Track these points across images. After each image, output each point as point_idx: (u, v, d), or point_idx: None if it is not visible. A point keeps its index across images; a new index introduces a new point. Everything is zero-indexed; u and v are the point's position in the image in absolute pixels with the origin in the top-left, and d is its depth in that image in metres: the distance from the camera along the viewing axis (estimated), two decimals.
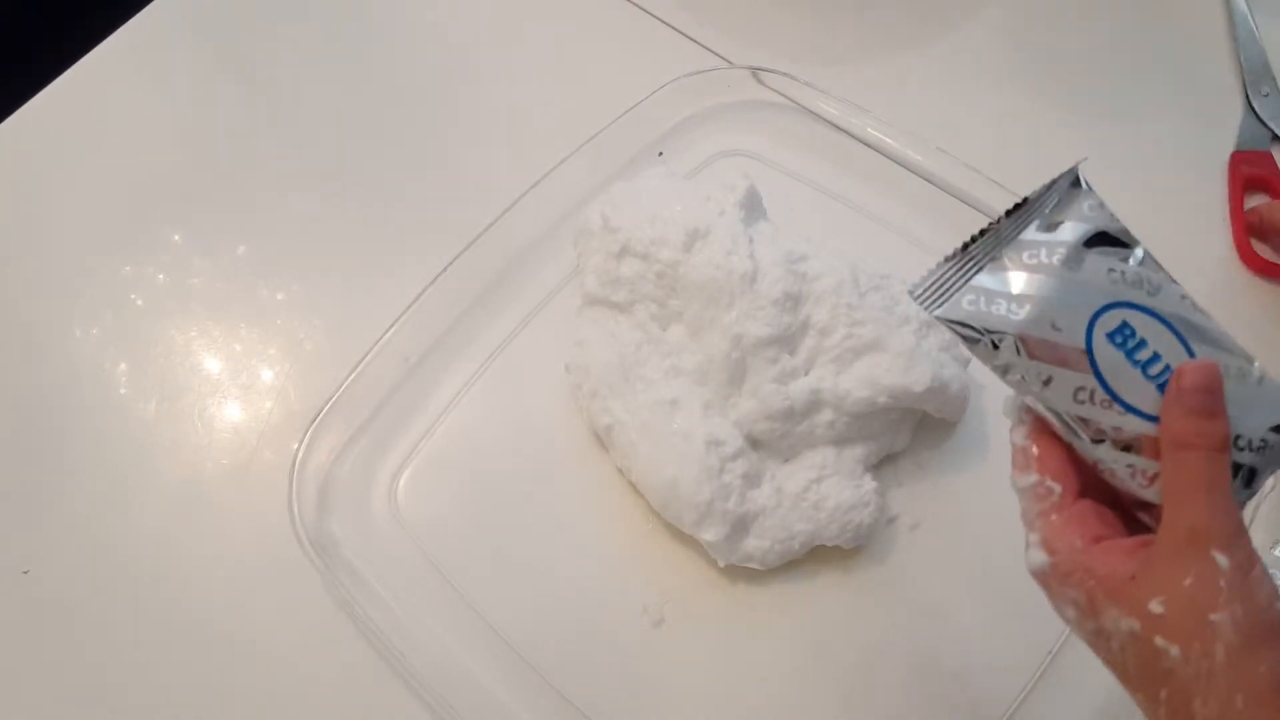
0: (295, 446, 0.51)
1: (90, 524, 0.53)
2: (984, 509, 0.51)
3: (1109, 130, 0.64)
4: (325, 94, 0.68)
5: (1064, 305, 0.32)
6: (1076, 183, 0.35)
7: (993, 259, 0.34)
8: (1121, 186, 0.60)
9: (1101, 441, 0.32)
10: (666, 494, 0.48)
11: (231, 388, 0.57)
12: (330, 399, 0.53)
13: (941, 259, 0.34)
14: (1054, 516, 0.33)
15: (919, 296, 0.34)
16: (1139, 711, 0.43)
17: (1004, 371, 0.33)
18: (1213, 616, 0.29)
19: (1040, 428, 0.34)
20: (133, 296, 0.60)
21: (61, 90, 0.68)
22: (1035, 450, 0.34)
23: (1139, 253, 0.34)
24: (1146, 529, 0.33)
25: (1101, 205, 0.34)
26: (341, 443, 0.53)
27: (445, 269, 0.56)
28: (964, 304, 0.33)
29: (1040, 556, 0.33)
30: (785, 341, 0.49)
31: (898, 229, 0.59)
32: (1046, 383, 0.32)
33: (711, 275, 0.49)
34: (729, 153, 0.63)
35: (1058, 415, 0.33)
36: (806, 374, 0.49)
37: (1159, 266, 0.34)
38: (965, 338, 0.33)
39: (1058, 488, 0.33)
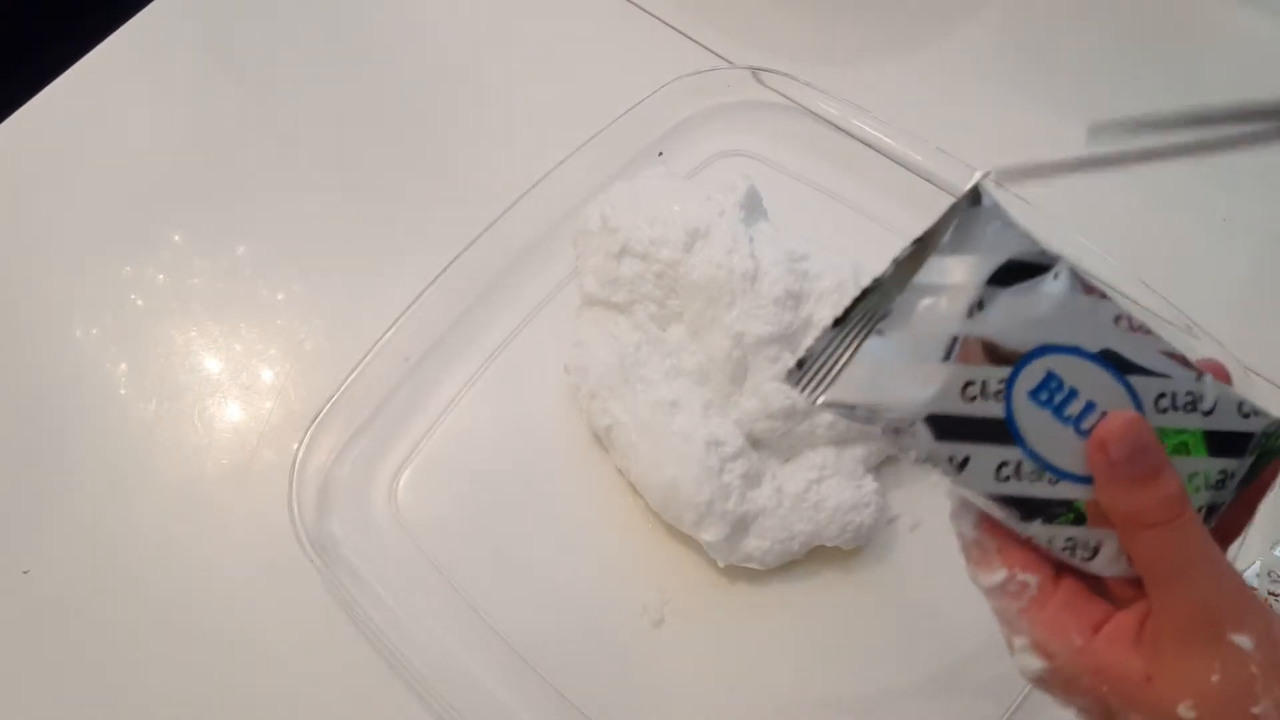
0: (295, 446, 0.51)
1: (90, 524, 0.53)
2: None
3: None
4: (326, 94, 0.68)
5: (973, 370, 0.27)
6: (976, 199, 0.30)
7: (884, 317, 0.28)
8: (1122, 186, 0.61)
9: (1033, 519, 0.28)
10: (666, 494, 0.48)
11: (232, 388, 0.57)
12: (330, 399, 0.53)
13: (822, 329, 0.28)
14: (1038, 613, 0.28)
15: (797, 381, 0.28)
16: None
17: (913, 458, 0.28)
18: (1255, 710, 0.25)
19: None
20: (133, 297, 0.60)
21: (61, 90, 0.68)
22: (992, 541, 0.29)
23: (1060, 275, 0.28)
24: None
25: (1007, 224, 0.29)
26: (341, 443, 0.53)
27: (445, 269, 0.56)
28: (854, 381, 0.27)
29: (1035, 663, 0.28)
30: (787, 340, 0.49)
31: (898, 229, 0.59)
32: (963, 465, 0.27)
33: (712, 274, 0.49)
34: (729, 153, 0.63)
35: (982, 497, 0.28)
36: None
37: (1083, 283, 0.28)
38: (860, 421, 0.28)
39: (1033, 579, 0.28)
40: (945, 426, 0.27)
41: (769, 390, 0.48)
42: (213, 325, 0.59)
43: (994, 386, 0.27)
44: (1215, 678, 0.25)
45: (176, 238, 0.62)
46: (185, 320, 0.59)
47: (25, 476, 0.55)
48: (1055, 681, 0.28)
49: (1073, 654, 0.27)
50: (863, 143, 0.61)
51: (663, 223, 0.52)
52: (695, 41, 0.68)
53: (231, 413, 0.56)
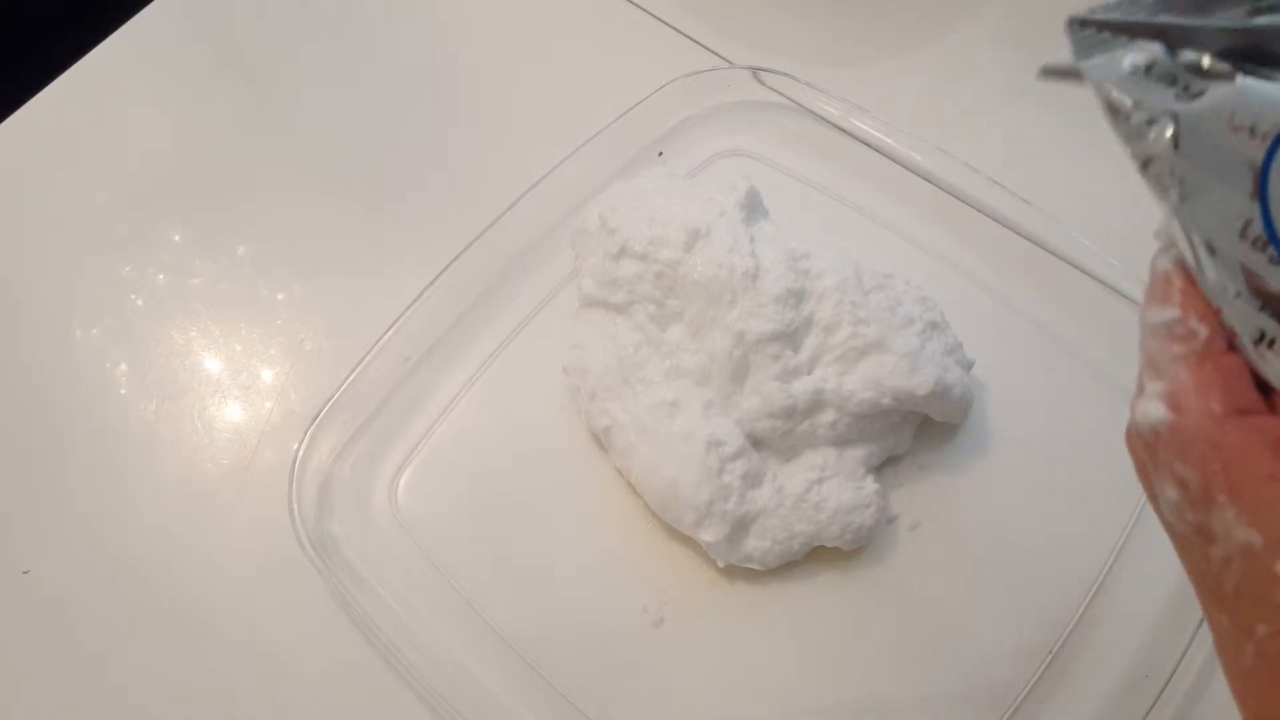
0: (295, 446, 0.52)
1: (90, 524, 0.53)
2: (985, 510, 0.51)
3: (1106, 132, 0.63)
4: (325, 94, 0.68)
5: (1253, 103, 0.24)
6: None
7: (1183, 14, 0.25)
8: (1121, 187, 0.61)
9: (1240, 294, 0.25)
10: (666, 495, 0.48)
11: (232, 388, 0.57)
12: (330, 399, 0.53)
13: None
14: (1193, 364, 0.25)
15: (1081, 24, 0.26)
16: (1138, 712, 0.44)
17: (1145, 165, 0.26)
18: None
19: None
20: (133, 297, 0.60)
21: (61, 90, 0.68)
22: (1180, 282, 0.26)
23: None
24: None
25: None
26: (341, 443, 0.53)
27: (445, 269, 0.56)
28: (1125, 62, 0.26)
29: (1158, 410, 0.25)
30: (788, 338, 0.49)
31: (898, 229, 0.59)
32: (1190, 195, 0.25)
33: (713, 274, 0.49)
34: (729, 153, 0.63)
35: (1189, 239, 0.25)
36: (810, 373, 0.49)
37: None
38: (1110, 106, 0.26)
39: (1204, 331, 0.25)
40: (1195, 145, 0.25)
41: (770, 389, 0.48)
42: (213, 325, 0.59)
43: (1265, 128, 0.24)
44: None
45: (176, 238, 0.62)
46: (185, 320, 0.59)
47: (25, 476, 0.55)
48: (1169, 440, 0.25)
49: (1204, 418, 0.24)
50: (863, 142, 0.61)
51: (662, 223, 0.52)
52: (695, 41, 0.68)
53: (232, 413, 0.56)
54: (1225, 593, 0.25)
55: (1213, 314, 0.25)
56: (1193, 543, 0.26)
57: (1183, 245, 0.26)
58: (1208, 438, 0.24)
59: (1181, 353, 0.25)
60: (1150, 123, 0.25)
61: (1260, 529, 0.23)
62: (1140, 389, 0.26)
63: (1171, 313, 0.26)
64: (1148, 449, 0.26)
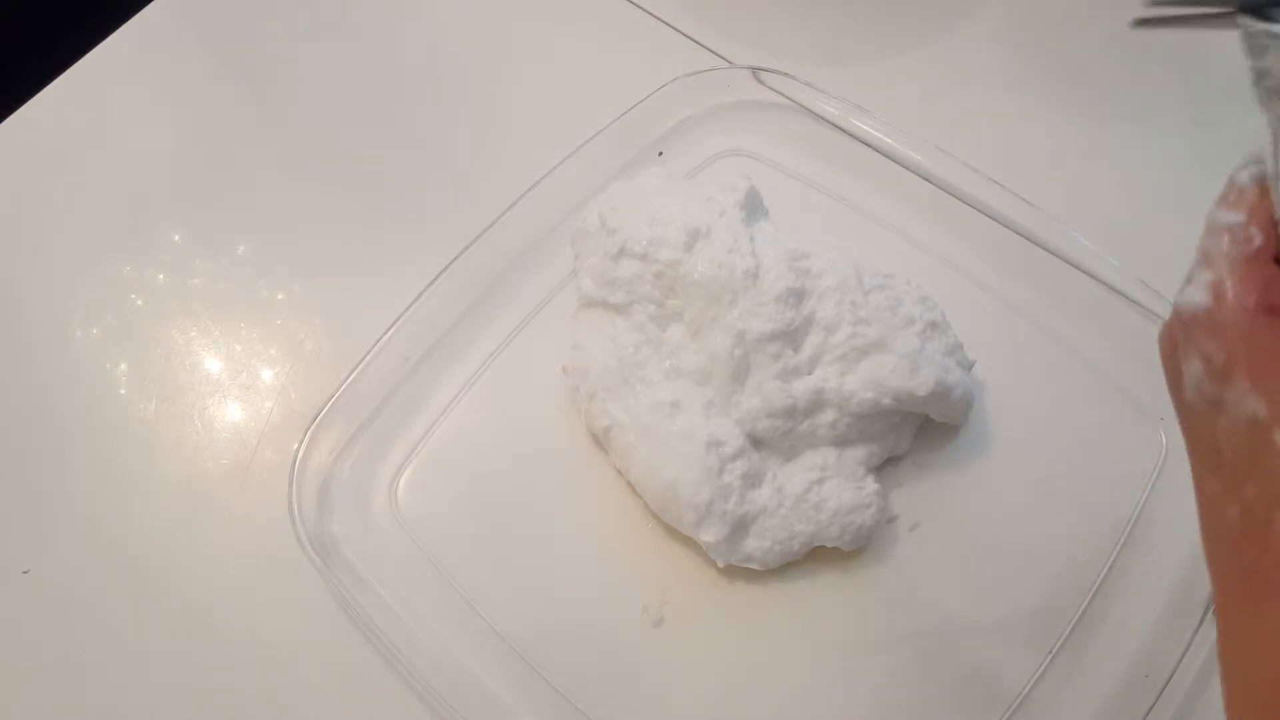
0: (295, 446, 0.52)
1: (90, 524, 0.53)
2: (985, 510, 0.51)
3: (1109, 130, 0.64)
4: (325, 94, 0.68)
5: None
6: None
7: None
8: (1122, 186, 0.61)
9: None
10: (666, 495, 0.48)
11: (232, 388, 0.57)
12: (330, 399, 0.53)
13: None
14: (1243, 262, 0.29)
15: None
16: (1138, 712, 0.44)
17: (1260, 76, 0.29)
18: None
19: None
20: (133, 297, 0.60)
21: (61, 90, 0.68)
22: (1252, 195, 0.30)
23: None
24: None
25: None
26: (341, 443, 0.53)
27: (446, 269, 0.56)
28: None
29: (1200, 295, 0.29)
30: (789, 337, 0.49)
31: (898, 229, 0.59)
32: None
33: (713, 273, 0.49)
34: (729, 153, 0.63)
35: (1277, 153, 0.29)
36: (810, 373, 0.49)
37: None
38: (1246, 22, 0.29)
39: (1259, 238, 0.29)
40: None
41: (770, 389, 0.48)
42: (213, 325, 0.59)
43: None
44: None
45: (176, 238, 0.62)
46: (185, 320, 0.59)
47: (25, 476, 0.55)
48: (1203, 322, 0.29)
49: (1239, 309, 0.28)
50: (863, 143, 0.61)
51: (662, 223, 0.52)
52: (695, 41, 0.68)
53: (232, 412, 0.56)
54: (1224, 459, 0.28)
55: (1273, 228, 0.29)
56: (1203, 414, 0.29)
57: (1270, 161, 0.29)
58: (1238, 324, 0.28)
59: (1234, 253, 0.29)
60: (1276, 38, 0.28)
61: (1267, 402, 0.27)
62: (1189, 278, 0.30)
63: (1237, 217, 0.29)
64: (1183, 328, 0.29)
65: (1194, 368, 0.29)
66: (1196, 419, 0.30)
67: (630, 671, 0.48)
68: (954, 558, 0.50)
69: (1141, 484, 0.50)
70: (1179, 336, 0.30)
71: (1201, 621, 0.45)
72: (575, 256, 0.56)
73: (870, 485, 0.49)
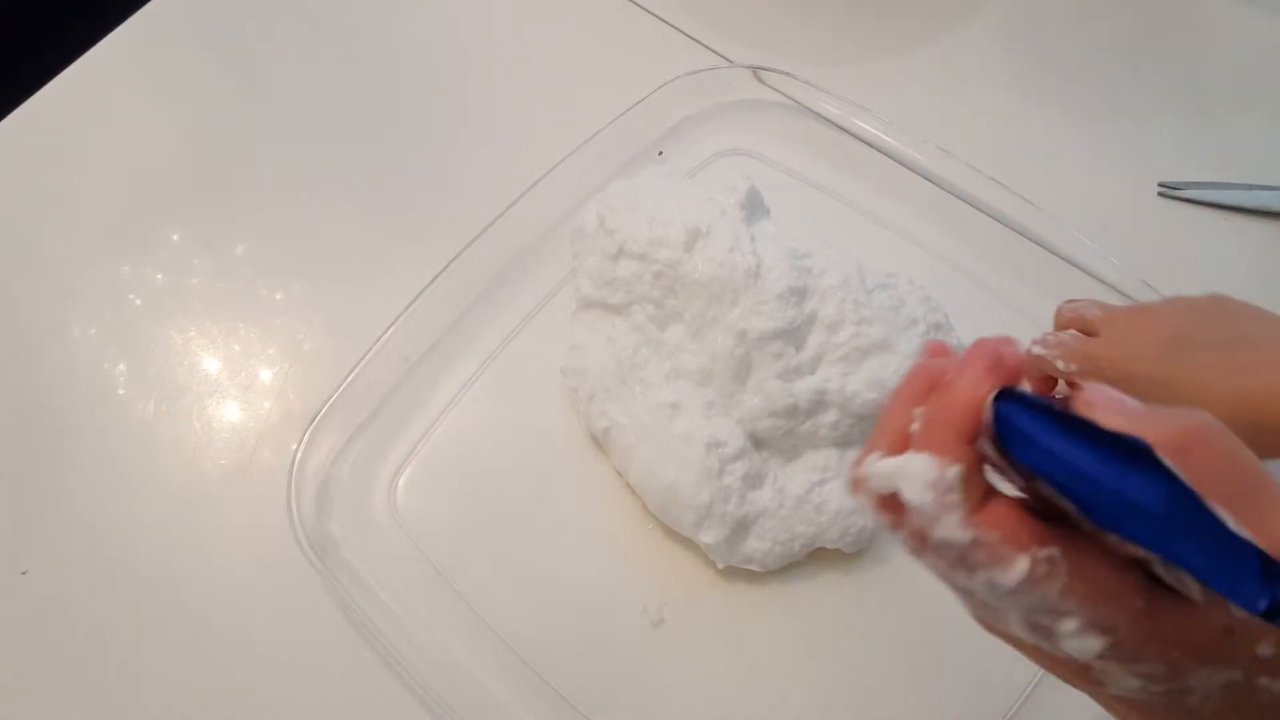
0: (294, 447, 0.51)
1: (89, 524, 0.53)
2: None
3: (1109, 130, 0.64)
4: (324, 94, 0.68)
5: None
6: None
7: None
8: (1122, 187, 0.61)
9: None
10: (665, 497, 0.48)
11: (230, 388, 0.57)
12: (329, 399, 0.52)
13: None
14: (1083, 585, 0.24)
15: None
16: None
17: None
18: None
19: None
20: (131, 296, 0.60)
21: (61, 90, 0.68)
22: (993, 533, 0.24)
23: None
24: None
25: None
26: (340, 443, 0.53)
27: (445, 269, 0.56)
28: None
29: (1094, 643, 0.24)
30: (791, 336, 0.49)
31: (898, 228, 0.59)
32: None
33: (714, 272, 0.49)
34: (729, 152, 0.63)
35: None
36: (813, 372, 0.49)
37: None
38: None
39: (1056, 551, 0.24)
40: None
41: (771, 388, 0.48)
42: (211, 325, 0.59)
43: None
44: None
45: (175, 237, 0.62)
46: (184, 320, 0.59)
47: (24, 476, 0.55)
48: (1118, 657, 0.24)
49: (1136, 623, 0.23)
50: (863, 142, 0.61)
51: (661, 223, 0.52)
52: (696, 40, 0.68)
53: (230, 413, 0.56)
54: (1203, 716, 0.25)
55: (1044, 532, 0.24)
56: (1161, 700, 0.25)
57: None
58: (1153, 635, 0.24)
59: (1064, 586, 0.24)
60: None
61: (1240, 667, 0.24)
62: (1050, 635, 0.24)
63: (1021, 563, 0.24)
64: (1099, 672, 0.25)
65: (1132, 684, 0.25)
66: (1159, 701, 0.25)
67: (630, 672, 0.48)
68: None
69: None
70: (1099, 679, 0.25)
71: None
72: (574, 256, 0.56)
73: None
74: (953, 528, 0.25)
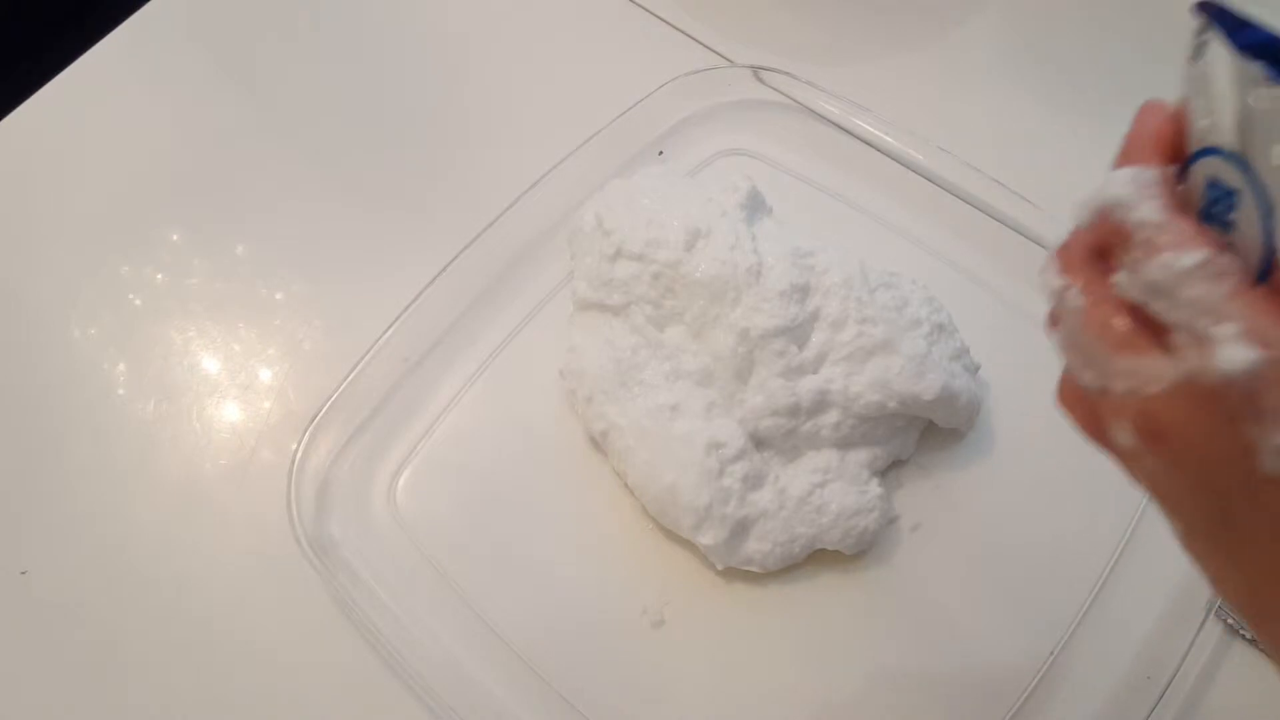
0: (294, 447, 0.51)
1: (89, 524, 0.53)
2: (986, 511, 0.51)
3: (1109, 130, 0.63)
4: (324, 94, 0.68)
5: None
6: None
7: None
8: None
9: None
10: (664, 499, 0.48)
11: (230, 388, 0.57)
12: (329, 399, 0.52)
13: None
14: (1250, 295, 0.23)
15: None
16: (1139, 714, 0.43)
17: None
18: None
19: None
20: (131, 296, 0.60)
21: (61, 90, 0.68)
22: (1189, 224, 0.25)
23: None
24: None
25: None
26: (340, 443, 0.53)
27: (445, 269, 0.56)
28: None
29: (1246, 354, 0.23)
30: (794, 333, 0.49)
31: (898, 229, 0.59)
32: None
33: (716, 271, 0.49)
34: (730, 152, 0.63)
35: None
36: (816, 372, 0.49)
37: None
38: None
39: (1234, 263, 0.24)
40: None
41: (774, 386, 0.48)
42: (211, 325, 0.59)
43: None
44: None
45: (175, 237, 0.62)
46: (184, 320, 0.59)
47: (24, 476, 0.55)
48: (1271, 375, 0.23)
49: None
50: (864, 142, 0.61)
51: (660, 224, 0.51)
52: (696, 40, 0.68)
53: (230, 413, 0.56)
54: None
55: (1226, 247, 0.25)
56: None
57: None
58: None
59: (1229, 289, 0.24)
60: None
61: None
62: (1196, 340, 0.24)
63: (1199, 254, 0.24)
64: (1245, 392, 0.23)
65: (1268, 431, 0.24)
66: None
67: (630, 673, 0.48)
68: (956, 559, 0.50)
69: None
70: (1245, 404, 0.24)
71: (1203, 623, 0.45)
72: (572, 256, 0.56)
73: (874, 489, 0.49)
74: (1151, 210, 0.26)
